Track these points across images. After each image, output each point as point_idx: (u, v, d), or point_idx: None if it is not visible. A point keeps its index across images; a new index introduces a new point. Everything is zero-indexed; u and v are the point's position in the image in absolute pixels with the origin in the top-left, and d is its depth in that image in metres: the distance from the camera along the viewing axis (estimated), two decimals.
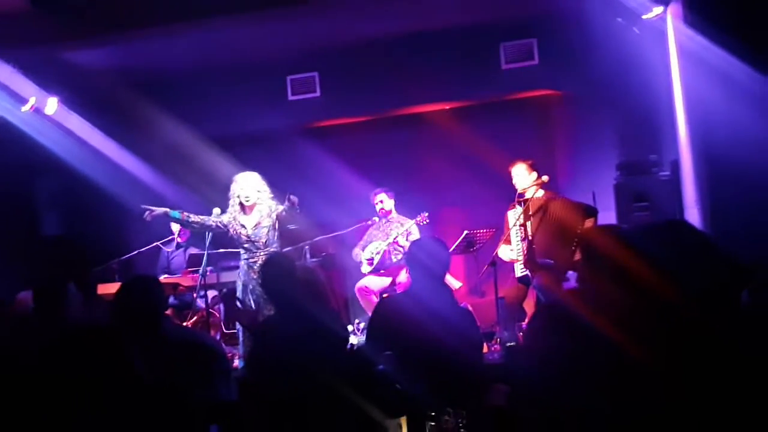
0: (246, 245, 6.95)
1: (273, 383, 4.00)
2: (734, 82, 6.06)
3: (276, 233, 7.01)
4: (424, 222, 8.16)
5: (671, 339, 2.00)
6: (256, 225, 6.95)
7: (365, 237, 8.54)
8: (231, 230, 6.99)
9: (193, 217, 6.95)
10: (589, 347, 2.11)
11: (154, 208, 6.95)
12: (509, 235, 7.07)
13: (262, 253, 6.78)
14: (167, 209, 6.98)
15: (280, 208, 6.90)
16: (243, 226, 6.96)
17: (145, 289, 4.03)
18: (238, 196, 6.96)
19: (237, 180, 7.01)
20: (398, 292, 7.63)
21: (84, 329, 1.37)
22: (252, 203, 6.94)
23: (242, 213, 6.99)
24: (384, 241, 8.24)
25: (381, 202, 8.40)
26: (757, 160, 6.04)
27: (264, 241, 6.94)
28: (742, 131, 6.04)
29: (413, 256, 4.52)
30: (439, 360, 4.10)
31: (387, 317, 4.39)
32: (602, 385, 2.03)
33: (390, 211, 8.42)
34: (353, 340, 7.21)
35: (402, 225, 8.27)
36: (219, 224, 6.98)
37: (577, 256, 6.49)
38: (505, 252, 7.06)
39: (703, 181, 6.70)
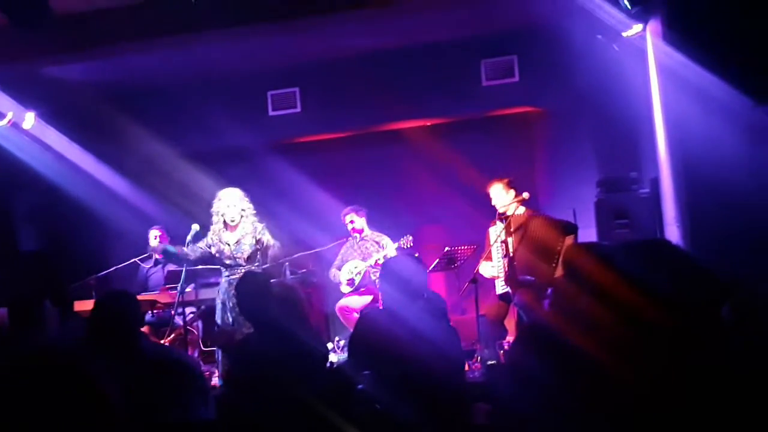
0: (228, 261, 6.91)
1: (250, 402, 3.95)
2: (713, 100, 6.09)
3: (258, 251, 6.97)
4: (408, 245, 8.02)
5: (653, 356, 1.99)
6: (237, 241, 6.94)
7: (339, 257, 8.46)
8: (214, 248, 6.95)
9: (189, 252, 6.93)
10: (571, 366, 2.08)
11: (153, 245, 6.94)
12: (490, 251, 7.05)
13: (243, 270, 6.73)
14: (165, 245, 6.96)
15: (266, 233, 6.92)
16: (226, 243, 6.94)
17: (121, 305, 3.97)
18: (222, 214, 6.92)
19: (221, 197, 6.98)
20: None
21: (45, 350, 1.31)
22: (236, 222, 6.92)
23: (225, 230, 6.97)
24: (363, 261, 8.16)
25: (351, 222, 8.32)
26: (735, 178, 6.06)
27: (246, 257, 6.90)
28: (721, 149, 6.07)
29: (388, 273, 4.50)
30: (418, 377, 4.07)
31: (368, 332, 4.36)
32: (584, 405, 2.00)
33: (362, 230, 8.34)
34: (333, 357, 7.16)
35: (378, 243, 8.19)
36: (209, 250, 6.95)
37: (558, 273, 6.56)
38: (486, 269, 7.05)
39: (683, 199, 6.72)
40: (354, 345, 4.46)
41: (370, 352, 4.20)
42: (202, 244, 7.00)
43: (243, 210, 6.95)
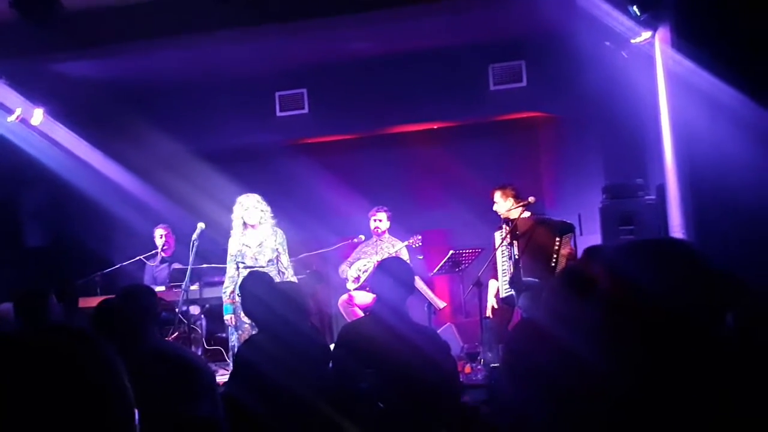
0: (249, 262, 7.00)
1: (256, 401, 3.96)
2: (721, 107, 6.08)
3: (276, 253, 7.15)
4: (417, 245, 8.17)
5: (655, 360, 1.98)
6: (260, 244, 7.11)
7: (354, 254, 8.52)
8: (237, 253, 7.14)
9: (232, 286, 7.02)
10: (570, 367, 2.08)
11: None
12: (496, 263, 7.11)
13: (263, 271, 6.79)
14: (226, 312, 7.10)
15: (285, 253, 7.18)
16: (247, 246, 7.09)
17: (136, 296, 4.02)
18: (243, 217, 7.10)
19: (241, 203, 7.17)
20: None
21: (56, 328, 1.30)
22: (257, 224, 7.11)
23: (245, 232, 7.13)
24: (371, 260, 8.20)
25: (380, 221, 8.37)
26: (742, 185, 6.05)
27: (267, 259, 7.07)
28: (728, 156, 6.05)
29: (377, 278, 4.56)
30: (409, 379, 4.10)
31: (352, 343, 4.38)
32: (582, 406, 2.00)
33: (384, 232, 8.40)
34: None
35: (393, 246, 8.25)
36: (239, 263, 7.10)
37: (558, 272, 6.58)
38: (494, 286, 7.13)
39: (689, 206, 6.71)
40: (337, 359, 4.48)
41: (356, 359, 4.24)
42: (231, 266, 7.13)
43: (263, 212, 7.14)
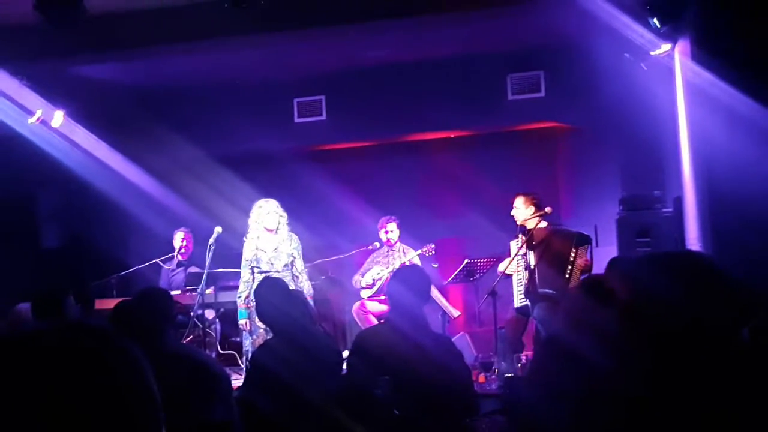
0: (264, 267, 7.02)
1: (270, 405, 3.97)
2: (741, 120, 6.05)
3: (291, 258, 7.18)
4: (430, 253, 8.17)
5: (671, 371, 1.98)
6: (276, 248, 7.13)
7: (366, 264, 8.52)
8: (254, 262, 7.16)
9: (247, 291, 7.03)
10: (593, 382, 2.08)
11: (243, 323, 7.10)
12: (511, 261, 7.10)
13: (278, 276, 6.80)
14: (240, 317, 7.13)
15: (299, 258, 7.21)
16: (263, 250, 7.13)
17: (154, 300, 4.04)
18: (262, 222, 7.12)
19: (261, 206, 7.19)
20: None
21: (77, 325, 1.30)
22: (275, 229, 7.14)
23: (261, 237, 7.16)
24: (386, 268, 8.21)
25: (391, 232, 8.37)
26: (761, 198, 6.02)
27: (283, 264, 7.10)
28: (747, 169, 6.03)
29: (393, 286, 4.55)
30: (423, 387, 4.10)
31: (367, 350, 4.38)
32: (605, 420, 2.00)
33: (396, 242, 8.41)
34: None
35: (405, 255, 8.26)
36: (254, 268, 7.13)
37: (573, 284, 6.57)
38: (504, 264, 7.08)
39: (706, 219, 6.68)
40: (353, 366, 4.48)
41: (370, 367, 4.23)
42: (246, 271, 7.15)
43: (281, 217, 7.17)
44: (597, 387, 2.09)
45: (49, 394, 1.13)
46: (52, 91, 8.68)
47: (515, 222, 7.11)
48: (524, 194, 7.17)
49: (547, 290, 6.70)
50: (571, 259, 6.75)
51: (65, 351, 1.18)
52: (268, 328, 5.40)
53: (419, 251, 8.19)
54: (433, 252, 8.16)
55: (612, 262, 3.89)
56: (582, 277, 6.77)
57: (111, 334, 1.26)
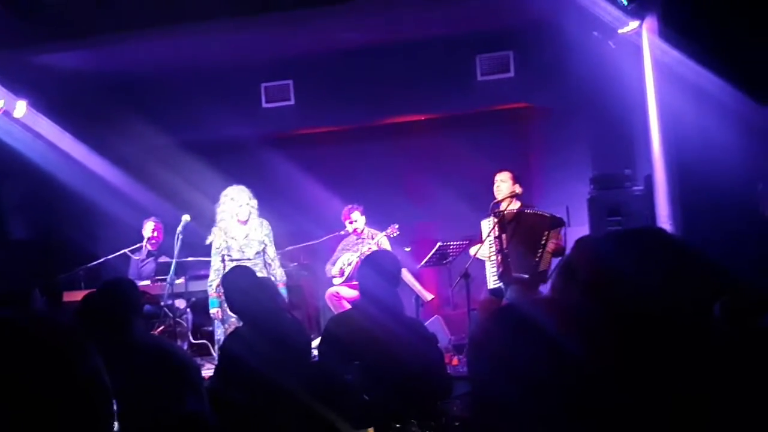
0: (235, 255, 6.93)
1: (242, 394, 3.93)
2: (709, 97, 6.06)
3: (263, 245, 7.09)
4: (395, 234, 8.15)
5: (636, 351, 1.95)
6: (246, 236, 7.04)
7: (336, 253, 8.48)
8: (225, 250, 7.06)
9: (217, 279, 6.86)
10: (551, 356, 2.04)
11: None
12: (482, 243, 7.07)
13: (250, 265, 6.71)
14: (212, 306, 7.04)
15: (271, 244, 7.11)
16: (234, 238, 7.03)
17: (121, 290, 3.97)
18: (235, 214, 7.04)
19: (232, 197, 7.07)
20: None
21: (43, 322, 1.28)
22: (245, 218, 7.01)
23: (232, 225, 7.06)
24: (355, 253, 8.19)
25: (355, 221, 8.33)
26: (730, 176, 6.04)
27: (255, 251, 7.02)
28: (715, 146, 6.05)
29: (363, 270, 4.55)
30: (396, 371, 4.09)
31: (338, 335, 4.37)
32: (558, 397, 1.96)
33: (362, 230, 8.37)
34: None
35: (372, 239, 8.23)
36: (225, 256, 7.03)
37: (542, 266, 6.57)
38: (475, 249, 7.06)
39: (677, 196, 6.70)
40: (324, 352, 4.46)
41: (342, 355, 4.22)
42: (217, 259, 7.04)
43: (252, 207, 7.08)
44: (554, 361, 2.04)
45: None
46: (15, 80, 8.55)
47: (488, 203, 7.08)
48: (507, 170, 7.15)
49: (521, 275, 6.68)
50: (542, 242, 6.74)
51: (14, 339, 1.16)
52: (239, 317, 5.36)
53: (384, 233, 8.15)
54: (398, 232, 8.14)
55: (577, 242, 3.87)
56: (554, 260, 6.77)
57: (60, 324, 1.25)
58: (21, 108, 8.67)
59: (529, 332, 1.99)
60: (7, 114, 8.66)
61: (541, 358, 1.91)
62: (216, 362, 6.49)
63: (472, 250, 7.11)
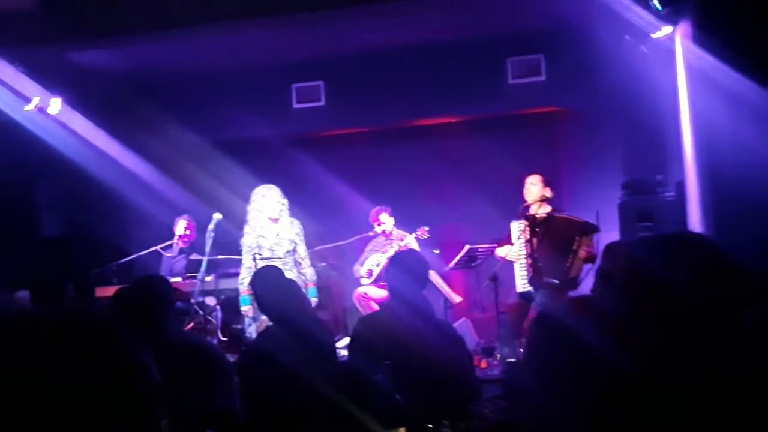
0: (266, 254, 6.98)
1: (272, 392, 3.96)
2: (743, 103, 6.01)
3: (294, 244, 7.13)
4: (424, 236, 8.16)
5: (674, 355, 1.96)
6: (277, 234, 7.08)
7: (364, 254, 8.51)
8: (256, 249, 7.11)
9: (249, 278, 6.76)
10: (589, 361, 2.05)
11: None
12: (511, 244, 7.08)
13: (280, 264, 6.75)
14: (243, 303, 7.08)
15: (302, 244, 7.14)
16: (264, 237, 7.07)
17: (151, 286, 4.02)
18: (264, 211, 7.06)
19: (264, 195, 7.10)
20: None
21: (77, 312, 1.28)
22: (276, 217, 7.06)
23: (263, 225, 7.11)
24: (383, 254, 8.21)
25: (384, 223, 8.36)
26: (764, 183, 5.98)
27: (285, 250, 7.05)
28: (749, 152, 5.99)
29: (391, 271, 4.56)
30: (425, 372, 4.10)
31: (368, 336, 4.38)
32: (600, 401, 1.97)
33: (391, 232, 8.39)
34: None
35: (401, 241, 8.24)
36: (256, 254, 7.05)
37: (573, 272, 6.54)
38: (503, 251, 7.06)
39: (708, 203, 6.65)
40: (355, 352, 4.48)
41: (372, 356, 4.23)
42: (248, 257, 7.07)
43: (283, 206, 7.11)
44: (593, 366, 2.06)
45: (44, 373, 1.12)
46: (50, 78, 8.64)
47: (517, 206, 7.09)
48: (538, 173, 7.17)
49: (552, 280, 6.66)
50: (574, 247, 6.72)
51: (60, 331, 1.18)
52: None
53: (413, 234, 8.17)
54: (428, 235, 8.15)
55: (608, 247, 3.87)
56: (585, 267, 6.75)
57: (106, 318, 1.25)
58: (56, 105, 8.77)
59: (567, 340, 2.01)
60: (42, 111, 8.77)
61: (582, 364, 1.92)
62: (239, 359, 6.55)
63: (500, 251, 7.11)
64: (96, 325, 1.25)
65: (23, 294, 5.69)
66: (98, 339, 1.22)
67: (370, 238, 8.55)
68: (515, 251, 7.01)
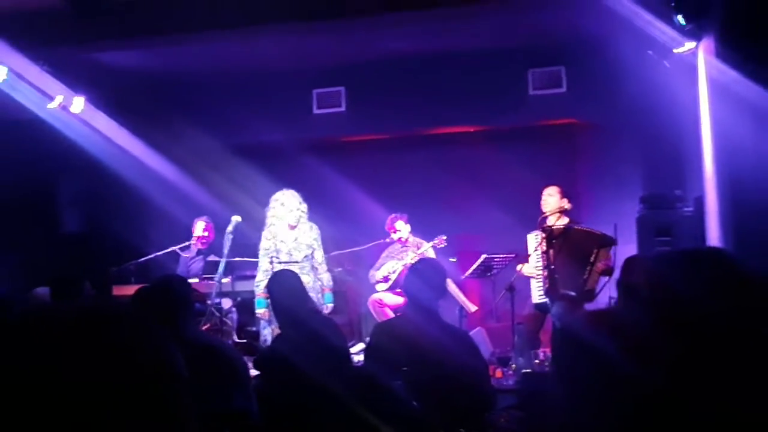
0: (284, 258, 7.01)
1: (288, 395, 3.97)
2: (766, 117, 5.98)
3: (311, 249, 7.17)
4: (442, 245, 8.17)
5: (698, 368, 1.96)
6: (295, 239, 7.11)
7: (380, 260, 8.52)
8: (271, 248, 7.13)
9: (265, 281, 6.67)
10: (616, 375, 2.06)
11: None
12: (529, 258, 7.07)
13: (297, 268, 6.76)
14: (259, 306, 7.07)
15: (319, 249, 7.19)
16: (283, 242, 7.10)
17: (171, 286, 4.04)
18: (284, 218, 7.09)
19: (283, 202, 7.13)
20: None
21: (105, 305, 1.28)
22: (295, 223, 7.10)
23: (281, 229, 7.14)
24: (400, 261, 8.22)
25: (399, 231, 8.36)
26: None
27: (303, 255, 7.08)
28: None
29: (409, 279, 4.57)
30: (441, 379, 4.11)
31: (384, 342, 4.40)
32: (627, 415, 1.98)
33: (407, 239, 8.39)
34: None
35: (418, 249, 8.25)
36: (273, 258, 7.09)
37: (590, 284, 6.52)
38: (527, 269, 7.06)
39: (728, 219, 6.62)
40: (370, 359, 4.49)
41: (388, 363, 4.24)
42: (265, 260, 7.11)
43: (302, 212, 7.14)
44: (620, 380, 2.07)
45: (71, 370, 1.12)
46: (73, 77, 8.72)
47: (535, 217, 7.09)
48: (556, 184, 7.16)
49: (568, 292, 6.65)
50: (591, 260, 6.70)
51: (86, 326, 1.17)
52: None
53: (431, 243, 8.18)
54: (445, 243, 8.17)
55: (628, 261, 3.87)
56: (602, 280, 6.74)
57: (131, 313, 1.25)
58: (79, 104, 8.84)
59: (594, 353, 2.02)
60: (65, 109, 8.84)
61: (608, 377, 1.93)
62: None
63: (521, 268, 7.09)
64: (122, 320, 1.25)
65: (43, 290, 5.74)
66: (125, 334, 1.22)
67: (387, 245, 8.56)
68: (532, 263, 7.01)
